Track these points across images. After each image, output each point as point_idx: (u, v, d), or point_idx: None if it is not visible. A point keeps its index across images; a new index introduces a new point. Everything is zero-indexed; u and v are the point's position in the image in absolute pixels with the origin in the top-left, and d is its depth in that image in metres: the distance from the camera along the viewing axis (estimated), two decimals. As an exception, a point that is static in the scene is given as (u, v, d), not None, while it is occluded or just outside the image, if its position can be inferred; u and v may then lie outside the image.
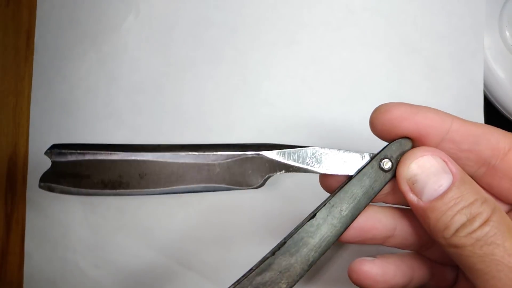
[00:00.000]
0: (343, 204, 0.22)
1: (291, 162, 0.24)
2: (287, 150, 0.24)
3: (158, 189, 0.23)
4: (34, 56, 0.34)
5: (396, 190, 0.23)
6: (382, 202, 0.25)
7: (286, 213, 0.33)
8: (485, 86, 0.35)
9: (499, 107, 0.36)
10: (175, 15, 0.34)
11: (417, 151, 0.22)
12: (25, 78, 0.34)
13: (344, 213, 0.22)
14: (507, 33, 0.35)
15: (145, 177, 0.23)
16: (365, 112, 0.34)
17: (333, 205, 0.22)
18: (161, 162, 0.23)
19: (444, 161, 0.21)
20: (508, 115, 0.36)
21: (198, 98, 0.33)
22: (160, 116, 0.33)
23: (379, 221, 0.24)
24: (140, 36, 0.34)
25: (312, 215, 0.22)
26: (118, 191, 0.23)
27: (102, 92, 0.34)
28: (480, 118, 0.34)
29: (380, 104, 0.23)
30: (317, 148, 0.24)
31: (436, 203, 0.21)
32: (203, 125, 0.33)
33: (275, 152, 0.24)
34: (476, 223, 0.20)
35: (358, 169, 0.23)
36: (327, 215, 0.22)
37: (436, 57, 0.34)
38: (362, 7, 0.34)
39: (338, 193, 0.23)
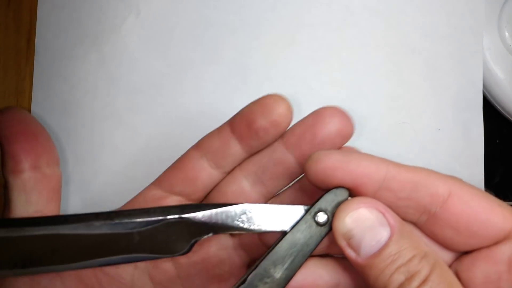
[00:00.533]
0: (276, 265, 0.20)
1: (218, 223, 0.21)
2: (213, 210, 0.21)
3: (73, 265, 0.21)
4: (35, 56, 0.34)
5: None
6: (325, 253, 0.23)
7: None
8: (484, 86, 0.35)
9: (498, 108, 0.36)
10: (175, 15, 0.34)
11: (351, 203, 0.20)
12: (26, 78, 0.34)
13: (278, 275, 0.20)
14: (507, 34, 0.35)
15: (57, 253, 0.21)
16: (365, 112, 0.34)
17: (264, 268, 0.20)
18: (74, 234, 0.21)
19: (381, 212, 0.20)
20: (507, 116, 0.36)
21: (198, 98, 0.34)
22: (160, 116, 0.33)
23: (320, 277, 0.22)
24: (140, 36, 0.34)
25: (243, 280, 0.20)
26: (29, 269, 0.21)
27: (102, 92, 0.34)
28: (479, 118, 0.34)
29: (317, 152, 0.22)
30: (246, 205, 0.22)
31: (374, 260, 0.19)
32: (203, 125, 0.33)
33: (200, 213, 0.21)
34: (415, 283, 0.19)
35: (291, 225, 0.21)
36: (259, 280, 0.20)
37: (435, 58, 0.34)
38: (362, 7, 0.34)
39: (270, 254, 0.21)
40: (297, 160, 0.24)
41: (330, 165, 0.21)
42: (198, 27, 0.34)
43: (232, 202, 0.23)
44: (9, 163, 0.24)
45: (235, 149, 0.25)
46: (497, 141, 0.36)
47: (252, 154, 0.25)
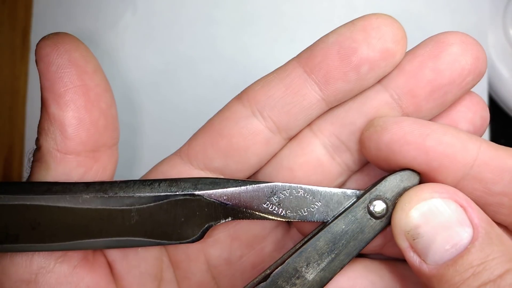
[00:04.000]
0: (310, 264, 0.16)
1: (240, 206, 0.17)
2: (235, 189, 0.17)
3: (55, 244, 0.17)
4: (30, 55, 0.34)
5: None
6: (378, 253, 0.18)
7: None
8: (489, 85, 0.34)
9: (503, 107, 0.35)
10: (174, 12, 0.33)
11: (421, 190, 0.15)
12: (21, 77, 0.34)
13: (310, 276, 0.16)
14: (511, 32, 0.35)
15: (38, 228, 0.17)
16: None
17: (293, 265, 0.16)
18: (59, 207, 0.17)
19: (462, 206, 0.15)
20: (513, 115, 0.35)
21: (197, 97, 0.33)
22: (158, 115, 0.33)
23: (372, 284, 0.17)
24: (137, 33, 0.33)
25: (265, 276, 0.16)
26: (4, 246, 0.17)
27: (99, 91, 0.33)
28: (484, 117, 0.33)
29: (377, 117, 0.17)
30: (278, 184, 0.17)
31: (447, 270, 0.14)
32: (202, 124, 0.33)
33: (218, 191, 0.17)
34: None
35: (335, 214, 0.17)
36: (285, 280, 0.16)
37: (439, 56, 0.34)
38: (364, 4, 0.33)
39: (303, 248, 0.16)
40: (403, 111, 0.17)
41: (399, 138, 0.16)
42: (197, 24, 0.33)
43: (302, 179, 0.18)
44: (51, 134, 0.17)
45: (311, 99, 0.17)
46: (503, 140, 0.36)
47: (333, 106, 0.18)
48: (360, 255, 0.17)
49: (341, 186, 0.19)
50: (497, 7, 0.35)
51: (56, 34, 0.17)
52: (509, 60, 0.35)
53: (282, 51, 0.33)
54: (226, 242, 0.19)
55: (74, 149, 0.17)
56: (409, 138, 0.15)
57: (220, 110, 0.19)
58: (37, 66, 0.17)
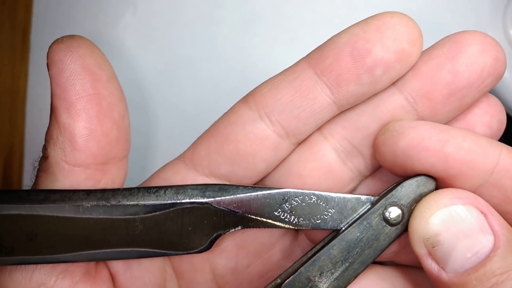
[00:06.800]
0: (323, 273, 0.16)
1: (251, 214, 0.16)
2: (245, 196, 0.16)
3: (53, 256, 0.16)
4: (30, 54, 0.34)
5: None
6: (390, 261, 0.18)
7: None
8: (490, 85, 0.34)
9: (504, 108, 0.35)
10: (174, 12, 0.33)
11: (441, 196, 0.15)
12: (21, 77, 0.34)
13: (323, 286, 0.15)
14: (511, 32, 0.35)
15: (35, 239, 0.16)
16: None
17: (306, 275, 0.15)
18: (57, 217, 0.16)
19: (483, 213, 0.15)
20: (513, 115, 0.35)
21: (197, 97, 0.33)
22: (158, 115, 0.33)
23: None
24: (137, 33, 0.33)
25: (275, 286, 0.16)
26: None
27: (99, 91, 0.33)
28: (485, 117, 0.33)
29: (393, 121, 0.16)
30: (290, 191, 0.16)
31: (468, 278, 0.14)
32: (202, 125, 0.33)
33: (227, 199, 0.16)
34: None
35: (349, 221, 0.16)
36: None
37: (439, 56, 0.34)
38: (365, 4, 0.33)
39: (316, 257, 0.16)
40: (419, 115, 0.17)
41: (416, 143, 0.15)
42: (197, 24, 0.33)
43: (312, 186, 0.17)
44: (60, 144, 0.16)
45: (322, 103, 0.16)
46: (503, 140, 0.36)
47: (344, 110, 0.17)
48: (372, 262, 0.17)
49: (352, 191, 0.18)
50: (497, 7, 0.35)
51: (71, 37, 0.16)
52: (509, 60, 0.34)
53: (282, 51, 0.33)
54: (232, 251, 0.19)
55: (84, 161, 0.16)
56: (428, 144, 0.15)
57: (226, 114, 0.18)
58: (48, 71, 0.16)
